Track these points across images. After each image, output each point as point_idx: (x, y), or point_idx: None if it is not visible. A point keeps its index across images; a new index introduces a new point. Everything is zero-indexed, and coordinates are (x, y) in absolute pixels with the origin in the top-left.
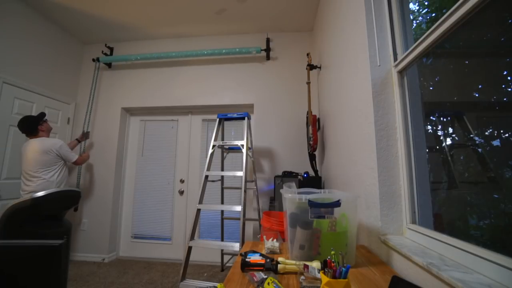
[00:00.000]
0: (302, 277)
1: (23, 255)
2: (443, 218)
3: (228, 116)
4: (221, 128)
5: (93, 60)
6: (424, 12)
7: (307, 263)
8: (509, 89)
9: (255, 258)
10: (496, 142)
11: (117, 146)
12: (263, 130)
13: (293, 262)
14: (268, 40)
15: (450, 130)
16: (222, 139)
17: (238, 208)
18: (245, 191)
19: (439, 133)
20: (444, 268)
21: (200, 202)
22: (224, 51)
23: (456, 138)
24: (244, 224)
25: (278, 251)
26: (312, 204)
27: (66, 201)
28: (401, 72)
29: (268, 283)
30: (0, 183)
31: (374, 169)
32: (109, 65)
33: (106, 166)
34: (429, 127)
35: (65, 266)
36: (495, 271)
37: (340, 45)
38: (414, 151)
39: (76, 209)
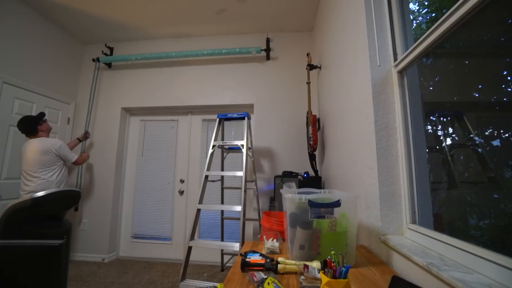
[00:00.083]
0: (302, 277)
1: (23, 255)
2: (443, 218)
3: (228, 116)
4: (221, 128)
5: (93, 60)
6: (424, 12)
7: (307, 263)
8: (509, 89)
9: (255, 258)
10: (496, 142)
11: (117, 146)
12: (263, 130)
13: (293, 262)
14: (268, 40)
15: (450, 130)
16: (222, 139)
17: (238, 208)
18: (245, 191)
19: (439, 133)
20: (444, 268)
21: (200, 202)
22: (224, 51)
23: (456, 138)
24: (244, 224)
25: (278, 251)
26: (312, 204)
27: (66, 201)
28: (401, 72)
29: (268, 283)
30: (0, 183)
31: (374, 169)
32: (109, 65)
33: (106, 166)
34: (429, 127)
35: (65, 266)
36: (495, 271)
37: (340, 45)
38: (414, 151)
39: (76, 209)
